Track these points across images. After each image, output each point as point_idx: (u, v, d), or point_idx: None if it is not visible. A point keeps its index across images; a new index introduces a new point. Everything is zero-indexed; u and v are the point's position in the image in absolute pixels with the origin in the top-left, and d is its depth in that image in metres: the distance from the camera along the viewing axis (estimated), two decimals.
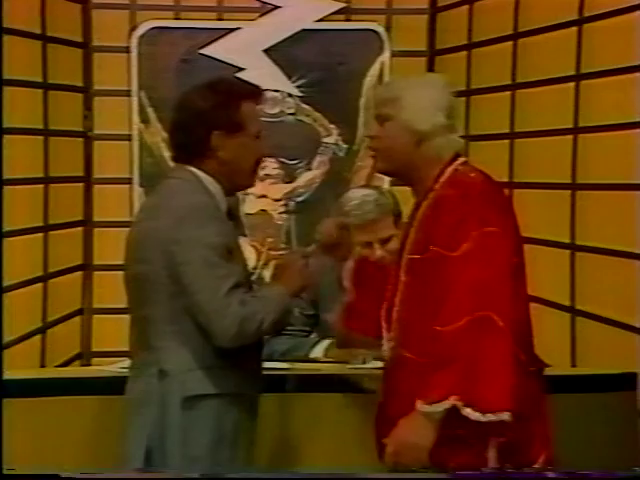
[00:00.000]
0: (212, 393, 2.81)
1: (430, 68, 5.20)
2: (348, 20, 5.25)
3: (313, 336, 3.78)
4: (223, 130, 2.86)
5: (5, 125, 3.78)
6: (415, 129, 2.85)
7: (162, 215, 2.83)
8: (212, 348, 2.80)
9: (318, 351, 3.70)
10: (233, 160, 2.88)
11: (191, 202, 2.81)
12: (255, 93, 3.00)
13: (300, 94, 5.20)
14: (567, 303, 4.23)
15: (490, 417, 2.60)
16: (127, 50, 5.13)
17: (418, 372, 2.72)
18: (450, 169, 2.86)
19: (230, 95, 2.90)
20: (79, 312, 5.10)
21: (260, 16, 5.20)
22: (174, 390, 2.80)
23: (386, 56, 5.22)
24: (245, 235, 5.14)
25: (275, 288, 2.95)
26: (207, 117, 2.86)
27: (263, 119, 3.14)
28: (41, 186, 4.71)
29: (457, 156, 2.88)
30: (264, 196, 5.23)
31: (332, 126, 5.23)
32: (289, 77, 5.18)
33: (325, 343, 3.70)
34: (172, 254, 2.77)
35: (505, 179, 4.52)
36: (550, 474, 2.76)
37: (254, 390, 2.92)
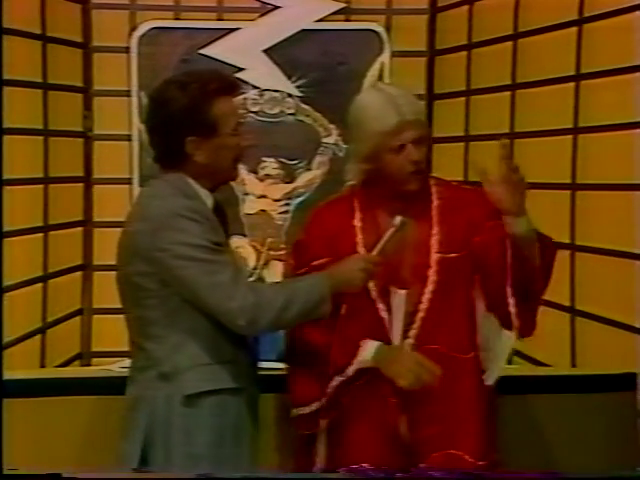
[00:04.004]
0: (211, 389, 2.79)
1: (430, 68, 5.20)
2: (348, 20, 5.25)
3: None
4: (196, 136, 2.79)
5: (5, 125, 3.77)
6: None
7: (140, 220, 2.81)
8: (207, 346, 2.79)
9: None
10: (210, 162, 2.83)
11: (168, 207, 2.77)
12: (228, 87, 2.87)
13: (300, 94, 5.20)
14: (567, 303, 4.22)
15: None
16: (127, 50, 5.13)
17: (462, 369, 2.91)
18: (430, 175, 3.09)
19: (201, 96, 2.79)
20: (79, 312, 5.10)
21: (260, 16, 5.20)
22: (174, 390, 2.79)
23: (386, 56, 5.22)
24: (244, 235, 5.14)
25: (313, 277, 2.88)
26: (179, 123, 2.78)
27: (242, 111, 3.02)
28: (41, 186, 4.72)
29: None
30: (264, 196, 5.22)
31: (332, 126, 5.23)
32: (289, 77, 5.18)
33: None
34: (159, 261, 2.75)
35: None
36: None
37: (252, 385, 2.90)
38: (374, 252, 2.91)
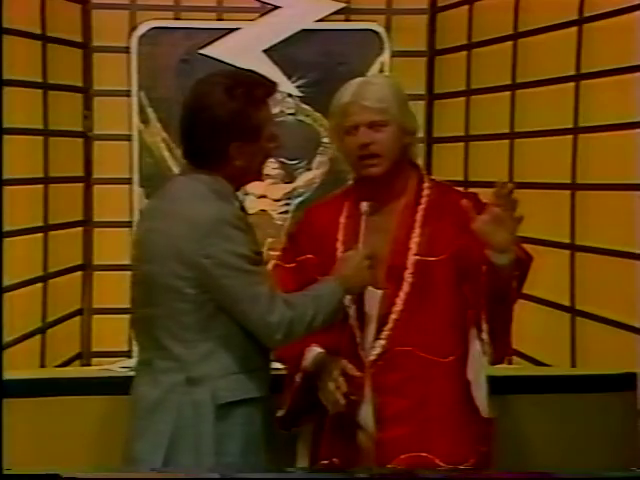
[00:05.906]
0: (242, 399, 2.79)
1: (430, 68, 5.20)
2: (348, 20, 5.26)
3: None
4: (241, 141, 2.80)
5: (5, 125, 3.78)
6: (408, 132, 2.99)
7: (182, 222, 2.76)
8: (238, 354, 2.79)
9: None
10: (246, 165, 2.84)
11: (215, 213, 2.75)
12: (270, 92, 2.88)
13: (300, 94, 5.20)
14: (567, 303, 4.23)
15: None
16: (127, 50, 5.13)
17: (439, 372, 2.88)
18: (427, 176, 3.04)
19: (249, 102, 2.80)
20: (79, 312, 5.10)
21: (260, 16, 5.20)
22: (204, 397, 2.77)
23: (386, 56, 5.22)
24: None
25: (329, 284, 2.88)
26: (226, 128, 2.78)
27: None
28: (41, 186, 4.72)
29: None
30: (264, 196, 5.22)
31: None
32: (289, 77, 5.18)
33: None
34: (203, 268, 2.73)
35: (505, 179, 4.51)
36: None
37: (269, 392, 2.90)
38: (359, 247, 2.91)
